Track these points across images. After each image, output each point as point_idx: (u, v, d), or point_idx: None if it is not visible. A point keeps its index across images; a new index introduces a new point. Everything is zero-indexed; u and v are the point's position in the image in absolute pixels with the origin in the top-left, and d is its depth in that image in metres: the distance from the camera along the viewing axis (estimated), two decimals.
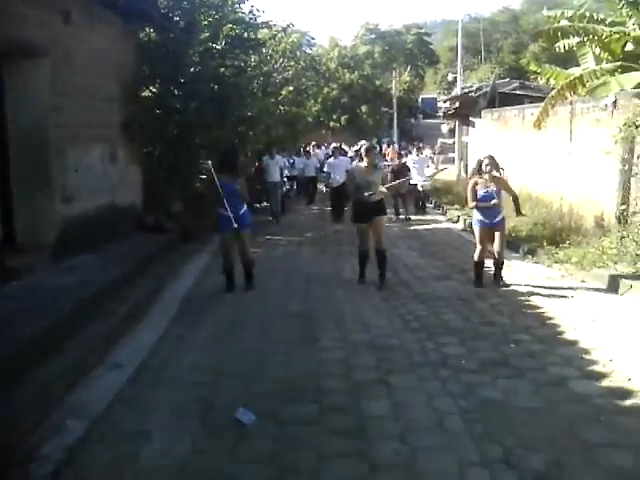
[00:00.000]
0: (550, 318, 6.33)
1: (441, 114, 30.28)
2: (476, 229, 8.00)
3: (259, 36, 15.02)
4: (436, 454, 3.67)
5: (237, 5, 13.34)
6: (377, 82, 44.89)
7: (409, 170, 15.16)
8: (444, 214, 15.91)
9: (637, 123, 8.37)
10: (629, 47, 10.33)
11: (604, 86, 9.27)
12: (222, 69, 12.70)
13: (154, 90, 12.15)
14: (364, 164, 7.99)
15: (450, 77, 45.94)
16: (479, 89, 22.45)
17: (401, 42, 62.57)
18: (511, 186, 8.17)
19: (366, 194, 7.70)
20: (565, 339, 5.68)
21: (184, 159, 11.83)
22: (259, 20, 14.32)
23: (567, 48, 11.29)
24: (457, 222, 14.05)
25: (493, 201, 7.60)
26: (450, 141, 29.39)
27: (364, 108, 41.79)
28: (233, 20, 13.04)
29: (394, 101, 41.20)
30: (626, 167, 8.79)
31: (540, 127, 11.06)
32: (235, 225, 7.41)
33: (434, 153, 19.52)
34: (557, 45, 11.36)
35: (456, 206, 15.62)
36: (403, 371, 4.90)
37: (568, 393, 4.45)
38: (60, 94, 8.07)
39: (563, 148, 11.26)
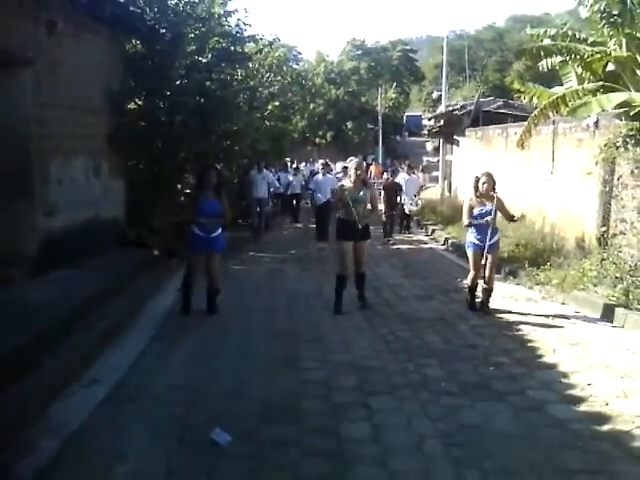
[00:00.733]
0: (530, 340, 6.36)
1: (426, 132, 30.41)
2: (470, 252, 7.65)
3: (246, 50, 15.01)
4: (414, 478, 3.66)
5: (224, 19, 13.34)
6: (363, 98, 45.13)
7: (401, 189, 14.98)
8: (428, 233, 15.95)
9: (617, 144, 8.47)
10: (610, 67, 10.46)
11: (585, 106, 9.36)
12: (208, 82, 12.67)
13: (140, 102, 12.11)
14: (352, 181, 7.65)
15: (435, 95, 46.34)
16: (463, 107, 22.59)
17: (387, 58, 62.94)
18: (508, 208, 7.78)
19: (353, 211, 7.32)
20: (545, 362, 5.71)
21: (169, 173, 11.78)
22: (246, 34, 14.35)
23: (550, 67, 11.39)
24: (442, 243, 14.08)
25: (487, 218, 7.31)
26: (435, 159, 29.59)
27: (350, 124, 42.00)
28: (220, 33, 13.02)
29: (379, 118, 41.41)
30: (606, 188, 8.87)
31: (523, 146, 11.15)
32: (213, 248, 7.13)
33: (423, 172, 19.42)
34: (540, 64, 11.47)
35: (440, 225, 15.70)
36: (383, 393, 4.89)
37: (546, 417, 4.47)
38: (44, 105, 8.03)
39: (546, 168, 11.38)
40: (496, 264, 7.78)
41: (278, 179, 19.10)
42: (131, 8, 10.07)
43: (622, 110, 8.92)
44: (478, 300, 7.69)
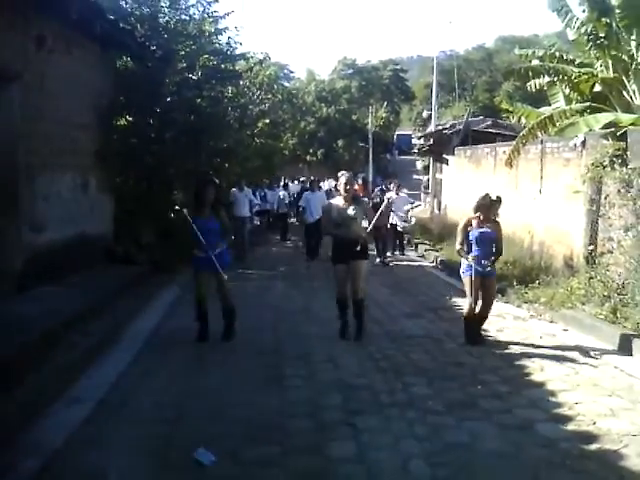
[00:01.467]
0: (518, 359, 6.33)
1: (416, 151, 30.58)
2: (466, 278, 6.91)
3: (236, 68, 15.07)
4: None
5: (214, 36, 13.42)
6: (354, 117, 45.40)
7: (391, 209, 14.27)
8: (417, 251, 15.94)
9: (604, 163, 8.52)
10: (597, 88, 10.57)
11: (573, 126, 9.44)
12: (198, 100, 12.73)
13: (130, 119, 12.12)
14: (342, 198, 7.14)
15: (425, 114, 46.61)
16: (453, 126, 22.71)
17: (378, 78, 63.51)
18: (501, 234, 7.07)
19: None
20: (532, 381, 5.68)
21: (157, 189, 11.76)
22: (237, 52, 14.42)
23: (538, 87, 11.49)
24: (431, 260, 14.07)
25: (491, 242, 6.79)
26: (425, 178, 29.70)
27: (340, 142, 42.19)
28: (210, 51, 13.10)
29: (370, 136, 41.65)
30: (594, 207, 8.91)
31: (511, 165, 11.22)
32: (217, 267, 6.69)
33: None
34: (529, 84, 11.58)
35: (429, 243, 15.71)
36: (370, 412, 4.83)
37: (534, 436, 4.43)
38: (31, 120, 8.01)
39: (534, 187, 11.42)
40: (495, 292, 7.28)
41: (264, 196, 18.82)
42: (121, 25, 10.09)
43: (609, 130, 8.99)
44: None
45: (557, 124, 9.96)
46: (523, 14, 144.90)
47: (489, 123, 21.69)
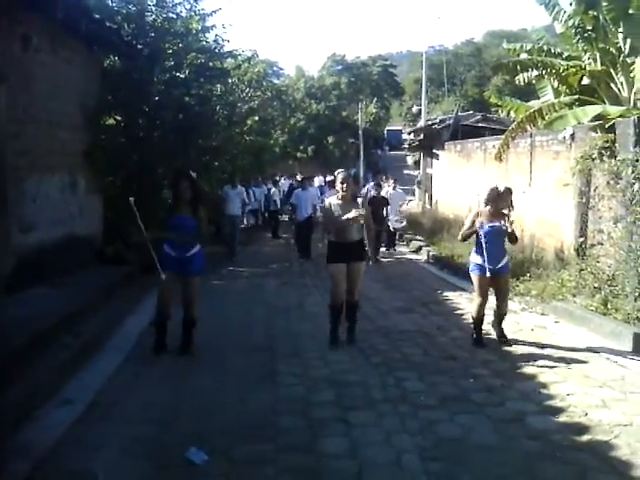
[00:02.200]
0: (510, 352, 6.35)
1: (406, 146, 30.57)
2: (475, 277, 6.60)
3: (224, 65, 15.00)
4: None
5: (202, 34, 13.35)
6: (344, 113, 45.34)
7: (388, 204, 14.07)
8: (409, 246, 15.93)
9: (593, 156, 8.55)
10: (585, 81, 10.60)
11: (561, 119, 9.47)
12: (186, 98, 12.67)
13: (118, 118, 12.06)
14: (340, 196, 6.68)
15: (415, 109, 46.55)
16: (443, 121, 22.76)
17: (367, 73, 63.49)
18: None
19: (346, 216, 6.42)
20: (524, 373, 5.70)
21: (147, 189, 11.69)
22: (225, 49, 14.36)
23: (527, 81, 11.51)
24: (423, 255, 14.08)
25: (503, 227, 6.34)
26: (415, 173, 29.73)
27: (331, 139, 42.14)
28: (198, 49, 13.03)
29: (360, 132, 41.63)
30: (583, 199, 8.95)
31: (501, 159, 11.25)
32: (188, 269, 6.08)
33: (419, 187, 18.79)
34: (517, 78, 11.59)
35: (421, 238, 15.71)
36: (362, 407, 4.83)
37: (526, 429, 4.45)
38: (19, 121, 7.94)
39: (524, 180, 11.46)
40: (508, 291, 6.89)
41: (253, 193, 18.47)
42: (108, 24, 10.01)
43: (597, 123, 9.03)
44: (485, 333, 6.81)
45: (546, 117, 9.97)
46: (512, 8, 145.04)
47: (479, 117, 21.72)
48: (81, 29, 9.01)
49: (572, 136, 9.71)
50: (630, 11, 9.47)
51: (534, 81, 11.69)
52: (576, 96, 10.41)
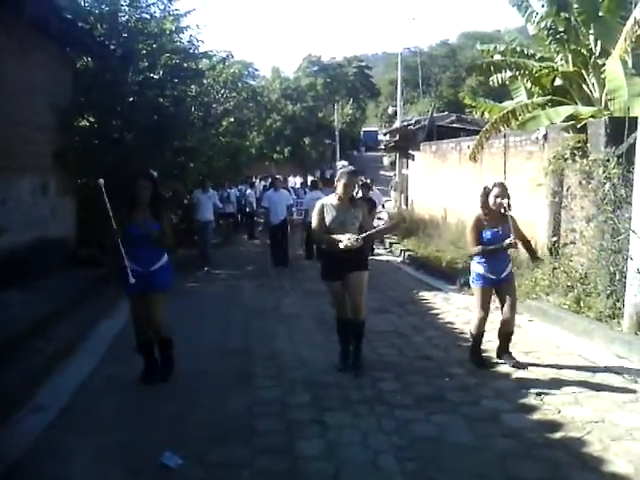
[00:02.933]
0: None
1: (382, 147, 30.70)
2: (476, 289, 5.88)
3: (199, 66, 14.93)
4: None
5: (176, 35, 13.26)
6: (320, 114, 45.39)
7: (376, 206, 13.55)
8: (385, 246, 15.99)
9: (566, 156, 8.65)
10: (558, 82, 10.73)
11: (534, 120, 9.58)
12: (161, 99, 12.57)
13: (91, 119, 11.92)
14: (338, 196, 5.68)
15: (391, 110, 46.87)
16: (418, 122, 22.86)
17: (343, 74, 63.76)
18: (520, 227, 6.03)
19: (342, 245, 5.38)
20: (499, 372, 5.74)
21: (122, 190, 11.55)
22: (199, 50, 14.27)
23: (501, 82, 11.61)
24: (399, 255, 14.13)
25: (508, 241, 5.58)
26: (391, 174, 29.84)
27: (307, 140, 42.14)
28: (171, 50, 12.94)
29: (337, 133, 41.70)
30: (556, 199, 9.04)
31: (476, 160, 11.32)
32: (152, 285, 5.31)
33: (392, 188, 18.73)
34: (491, 79, 11.69)
35: (396, 238, 15.76)
36: (338, 409, 4.82)
37: (501, 427, 4.47)
38: None
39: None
40: (516, 298, 6.07)
41: (227, 196, 18.16)
42: (80, 24, 9.91)
43: (570, 123, 9.13)
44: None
45: (519, 118, 10.07)
46: (486, 10, 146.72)
47: (453, 118, 21.89)
48: (51, 29, 8.91)
49: (545, 136, 9.82)
50: (600, 13, 9.63)
51: (508, 82, 11.80)
52: (549, 97, 10.53)
